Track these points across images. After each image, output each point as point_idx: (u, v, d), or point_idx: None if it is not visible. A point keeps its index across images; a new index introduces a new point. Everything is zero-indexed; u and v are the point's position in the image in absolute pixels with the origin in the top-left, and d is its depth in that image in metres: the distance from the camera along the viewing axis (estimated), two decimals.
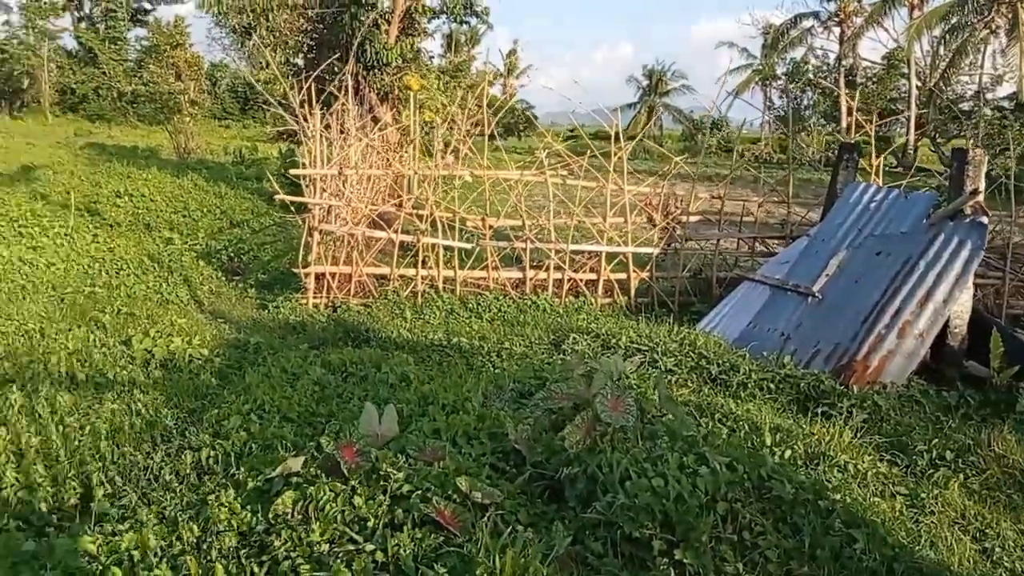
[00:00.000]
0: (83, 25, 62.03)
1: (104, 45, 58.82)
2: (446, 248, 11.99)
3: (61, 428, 5.52)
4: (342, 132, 13.39)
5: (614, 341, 8.75)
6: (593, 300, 11.99)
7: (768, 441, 5.61)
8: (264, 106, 37.70)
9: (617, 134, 12.31)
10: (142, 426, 5.76)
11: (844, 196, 10.95)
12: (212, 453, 5.11)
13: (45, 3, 60.97)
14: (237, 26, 21.18)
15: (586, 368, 5.24)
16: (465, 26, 23.81)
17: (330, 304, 11.58)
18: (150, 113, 44.43)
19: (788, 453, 5.40)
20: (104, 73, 56.05)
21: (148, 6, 64.50)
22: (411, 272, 11.80)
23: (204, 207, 18.49)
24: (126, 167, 21.35)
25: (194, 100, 32.98)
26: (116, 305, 10.06)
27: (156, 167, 22.20)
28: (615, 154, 12.24)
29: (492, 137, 13.35)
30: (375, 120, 16.63)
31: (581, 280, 12.23)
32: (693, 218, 13.01)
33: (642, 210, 12.77)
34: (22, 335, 8.50)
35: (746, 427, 6.09)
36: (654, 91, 62.59)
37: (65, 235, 14.25)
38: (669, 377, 7.74)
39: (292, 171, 12.37)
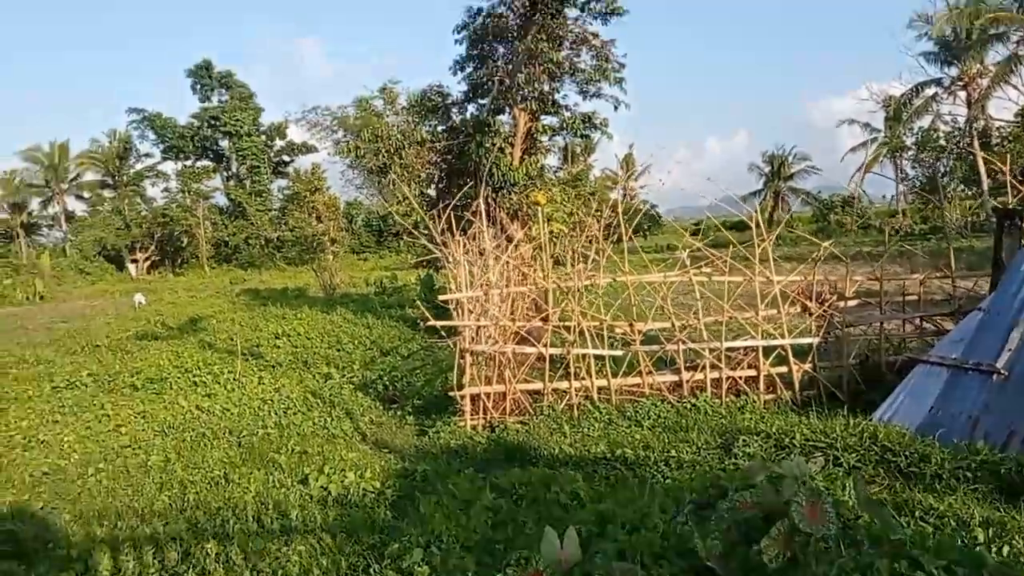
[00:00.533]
0: (231, 183, 68.02)
1: (251, 198, 64.16)
2: (597, 357, 11.82)
3: (256, 575, 5.67)
4: (481, 254, 13.77)
5: (787, 440, 8.29)
6: (756, 397, 11.46)
7: (981, 537, 5.13)
8: (399, 236, 39.64)
9: (757, 223, 12.10)
10: (328, 566, 5.84)
11: (1014, 264, 10.26)
12: None
13: (198, 168, 67.58)
14: (372, 166, 22.56)
15: (768, 473, 4.97)
16: (582, 138, 24.46)
17: (488, 424, 11.58)
18: (296, 255, 47.57)
19: (1006, 549, 4.92)
20: (252, 223, 60.91)
21: (287, 158, 70.20)
22: (564, 385, 11.70)
23: (355, 339, 19.34)
24: (280, 309, 22.77)
25: (334, 238, 35.07)
26: (289, 445, 10.47)
27: (307, 305, 23.55)
28: (758, 245, 11.99)
29: (619, 240, 13.33)
30: (508, 239, 17.06)
31: (740, 377, 11.78)
32: (851, 302, 12.44)
33: (795, 299, 12.33)
34: (208, 482, 8.93)
35: (952, 523, 5.58)
36: (777, 176, 61.90)
37: (234, 380, 15.13)
38: (855, 474, 7.25)
39: (442, 296, 12.71)
